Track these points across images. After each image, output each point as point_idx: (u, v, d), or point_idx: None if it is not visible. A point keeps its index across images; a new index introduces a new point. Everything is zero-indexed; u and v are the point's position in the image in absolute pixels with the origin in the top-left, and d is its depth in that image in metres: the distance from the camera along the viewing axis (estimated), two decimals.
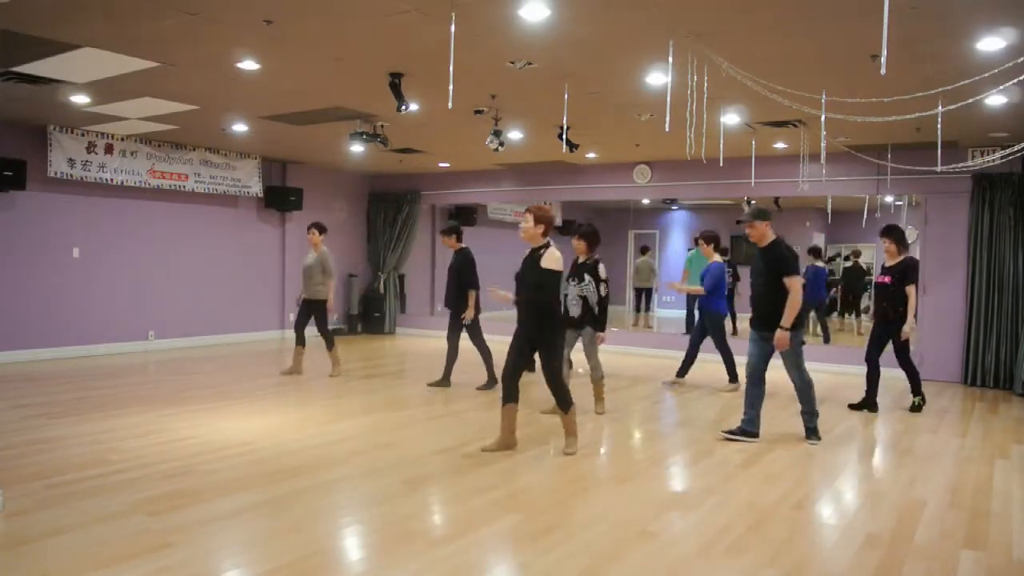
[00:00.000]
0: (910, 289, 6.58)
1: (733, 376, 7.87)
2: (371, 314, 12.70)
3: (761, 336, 5.56)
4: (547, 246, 5.05)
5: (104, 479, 4.37)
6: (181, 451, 5.02)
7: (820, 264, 11.12)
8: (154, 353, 9.74)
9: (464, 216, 13.55)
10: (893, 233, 6.72)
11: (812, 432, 5.66)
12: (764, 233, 5.57)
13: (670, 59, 5.00)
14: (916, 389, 6.95)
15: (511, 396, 5.09)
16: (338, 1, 4.42)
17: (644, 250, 14.05)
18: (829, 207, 10.66)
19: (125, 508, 3.89)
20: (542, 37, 4.97)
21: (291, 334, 11.64)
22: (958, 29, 4.58)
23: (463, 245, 7.56)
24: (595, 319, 6.27)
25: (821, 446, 5.57)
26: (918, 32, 4.62)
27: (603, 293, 6.27)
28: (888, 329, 6.73)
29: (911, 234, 10.02)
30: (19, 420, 5.82)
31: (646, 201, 12.92)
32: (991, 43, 4.73)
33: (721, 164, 8.00)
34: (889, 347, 6.83)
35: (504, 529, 3.75)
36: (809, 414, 5.66)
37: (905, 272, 6.62)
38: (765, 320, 5.49)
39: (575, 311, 6.28)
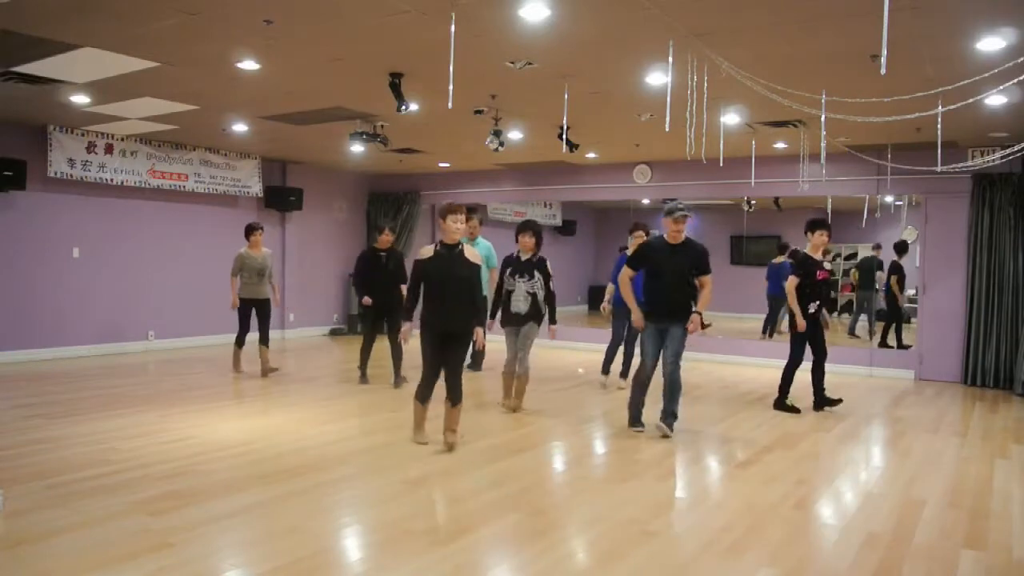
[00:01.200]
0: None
1: (605, 368, 7.89)
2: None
3: (667, 328, 5.65)
4: (461, 243, 5.22)
5: (104, 479, 4.37)
6: (181, 451, 5.02)
7: (782, 259, 11.12)
8: (154, 353, 9.74)
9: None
10: (829, 227, 6.80)
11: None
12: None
13: (670, 59, 5.00)
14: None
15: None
16: (338, 1, 4.42)
17: (621, 249, 14.08)
18: (829, 207, 10.65)
19: (125, 508, 3.89)
20: (542, 37, 4.97)
21: (291, 334, 11.74)
22: (958, 29, 4.58)
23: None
24: (543, 314, 6.37)
25: (821, 445, 5.57)
26: (918, 32, 4.62)
27: (552, 289, 6.35)
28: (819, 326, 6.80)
29: (911, 234, 10.03)
30: (19, 420, 5.82)
31: (646, 201, 12.91)
32: (991, 43, 4.73)
33: (721, 164, 7.99)
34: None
35: (504, 529, 3.75)
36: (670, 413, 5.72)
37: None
38: (683, 312, 5.63)
39: (523, 307, 6.31)
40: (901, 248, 9.91)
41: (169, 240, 10.18)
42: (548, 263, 6.40)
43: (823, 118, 5.52)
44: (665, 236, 5.75)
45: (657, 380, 5.77)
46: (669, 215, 5.69)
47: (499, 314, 6.50)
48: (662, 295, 5.67)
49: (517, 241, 6.45)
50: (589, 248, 16.37)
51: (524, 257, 6.39)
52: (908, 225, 10.28)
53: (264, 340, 8.21)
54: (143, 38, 5.20)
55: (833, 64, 5.38)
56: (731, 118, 7.25)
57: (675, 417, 5.72)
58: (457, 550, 3.46)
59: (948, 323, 8.74)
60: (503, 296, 6.44)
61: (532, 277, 6.34)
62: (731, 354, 9.67)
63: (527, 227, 6.39)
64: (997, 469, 5.05)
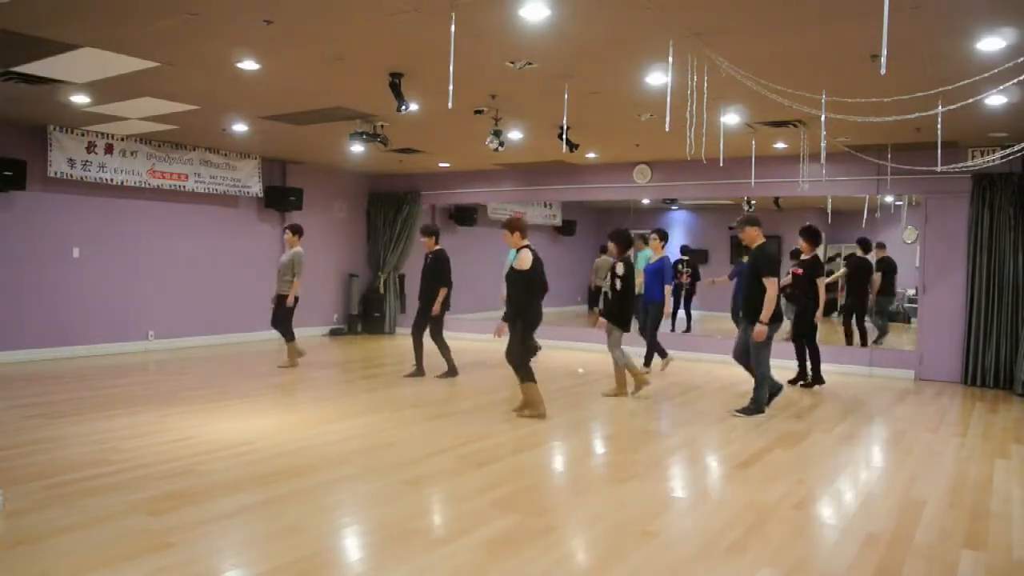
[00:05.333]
0: (820, 281, 7.87)
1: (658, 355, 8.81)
2: (371, 314, 12.70)
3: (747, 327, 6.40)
4: (526, 246, 6.18)
5: (104, 479, 4.37)
6: (181, 451, 5.02)
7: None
8: (154, 353, 9.74)
9: (464, 216, 13.56)
10: (807, 234, 7.93)
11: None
12: (754, 237, 6.45)
13: (670, 59, 5.00)
14: (816, 371, 7.97)
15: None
16: (338, 1, 4.42)
17: (603, 249, 14.12)
18: (829, 207, 10.66)
19: (125, 508, 3.90)
20: (542, 37, 4.97)
21: None
22: (958, 29, 4.58)
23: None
24: (613, 313, 7.12)
25: (821, 445, 5.58)
26: (918, 32, 4.62)
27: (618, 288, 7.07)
28: (802, 313, 7.92)
29: (911, 234, 10.03)
30: (19, 420, 5.82)
31: (646, 201, 12.93)
32: (991, 43, 4.73)
33: (721, 164, 8.00)
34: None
35: (504, 529, 3.75)
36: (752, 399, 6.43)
37: (815, 267, 7.89)
38: (746, 310, 6.34)
39: (604, 307, 7.21)
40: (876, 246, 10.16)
41: (169, 240, 10.18)
42: (619, 265, 7.00)
43: (823, 118, 5.52)
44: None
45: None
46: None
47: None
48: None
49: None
50: (589, 248, 16.39)
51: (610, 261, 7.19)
52: (908, 225, 10.28)
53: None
54: (143, 38, 5.20)
55: (833, 64, 5.38)
56: (731, 118, 7.25)
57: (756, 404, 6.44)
58: (457, 550, 3.46)
59: (948, 323, 8.73)
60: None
61: (608, 278, 7.05)
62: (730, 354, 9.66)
63: (610, 236, 7.17)
64: (997, 469, 5.05)
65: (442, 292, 7.91)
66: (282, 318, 8.56)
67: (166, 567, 3.19)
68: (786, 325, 7.77)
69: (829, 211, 10.69)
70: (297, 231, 8.64)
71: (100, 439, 5.28)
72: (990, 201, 8.38)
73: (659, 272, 8.37)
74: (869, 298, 10.12)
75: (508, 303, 6.27)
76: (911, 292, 10.75)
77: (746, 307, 6.33)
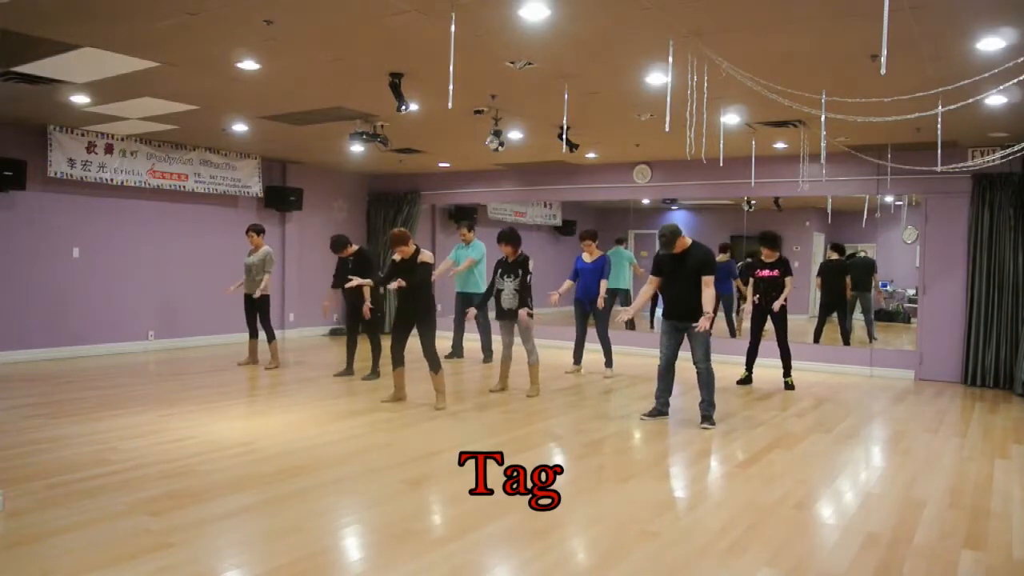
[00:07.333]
0: (788, 280, 7.93)
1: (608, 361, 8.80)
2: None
3: (678, 327, 6.21)
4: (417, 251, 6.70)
5: (104, 479, 4.37)
6: (181, 451, 5.02)
7: (725, 258, 10.88)
8: (154, 353, 9.74)
9: (464, 216, 13.54)
10: (767, 240, 8.02)
11: (707, 419, 6.15)
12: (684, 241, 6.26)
13: (670, 59, 5.00)
14: (789, 370, 8.04)
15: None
16: (338, 1, 4.42)
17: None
18: (829, 207, 10.66)
19: (125, 508, 3.89)
20: (542, 37, 4.97)
21: (290, 334, 11.75)
22: (958, 29, 4.58)
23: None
24: (530, 306, 7.09)
25: (821, 445, 5.58)
26: (918, 32, 4.62)
27: (528, 282, 7.06)
28: (772, 313, 7.96)
29: (911, 234, 10.02)
30: (19, 420, 5.82)
31: (646, 201, 12.91)
32: (991, 43, 4.73)
33: (721, 164, 7.99)
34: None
35: (504, 529, 3.75)
36: (707, 403, 6.17)
37: (786, 267, 7.98)
38: (689, 313, 6.07)
39: (512, 303, 7.03)
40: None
41: (169, 240, 10.18)
42: (529, 261, 7.11)
43: (823, 118, 5.52)
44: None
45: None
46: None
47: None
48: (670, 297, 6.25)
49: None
50: None
51: (509, 260, 7.11)
52: (908, 225, 10.28)
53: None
54: (143, 38, 5.20)
55: (833, 64, 5.38)
56: (731, 118, 7.25)
57: (712, 407, 6.18)
58: (457, 550, 3.46)
59: (948, 323, 8.73)
60: (494, 294, 7.22)
61: (517, 276, 7.02)
62: (730, 354, 9.66)
63: (501, 238, 7.15)
64: (997, 469, 5.05)
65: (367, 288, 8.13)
66: (265, 318, 8.67)
67: (166, 567, 3.19)
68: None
69: (829, 211, 10.69)
70: (262, 231, 8.80)
71: (100, 439, 5.28)
72: (990, 201, 8.37)
73: (598, 271, 8.36)
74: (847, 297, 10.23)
75: (422, 298, 6.82)
76: (911, 292, 10.73)
77: (689, 308, 6.04)
